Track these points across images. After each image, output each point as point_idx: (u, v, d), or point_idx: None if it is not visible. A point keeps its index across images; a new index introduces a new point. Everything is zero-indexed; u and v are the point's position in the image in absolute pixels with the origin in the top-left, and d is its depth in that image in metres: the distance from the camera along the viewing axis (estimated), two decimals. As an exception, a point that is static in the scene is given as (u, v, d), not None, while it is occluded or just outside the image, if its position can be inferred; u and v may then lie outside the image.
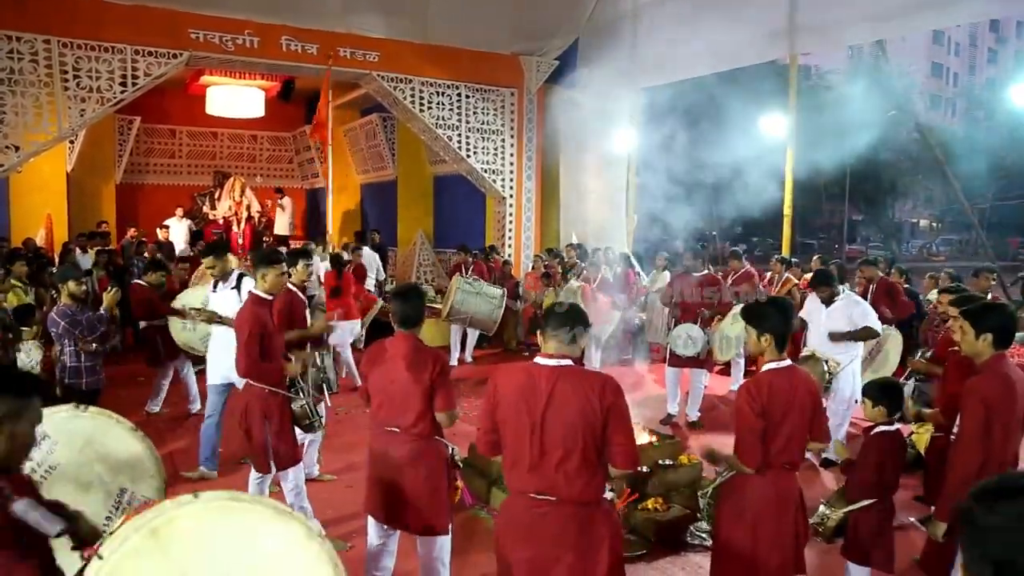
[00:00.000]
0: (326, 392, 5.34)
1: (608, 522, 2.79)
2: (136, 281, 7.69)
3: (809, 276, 9.59)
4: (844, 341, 6.00)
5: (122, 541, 2.04)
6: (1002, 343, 3.35)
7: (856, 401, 6.01)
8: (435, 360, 3.55)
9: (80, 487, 3.09)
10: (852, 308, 6.11)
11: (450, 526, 3.63)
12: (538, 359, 2.85)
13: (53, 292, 5.98)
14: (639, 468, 2.93)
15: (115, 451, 3.20)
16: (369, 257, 11.62)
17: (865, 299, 6.78)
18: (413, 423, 3.51)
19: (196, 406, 7.45)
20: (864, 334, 6.05)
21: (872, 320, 6.08)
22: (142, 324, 7.59)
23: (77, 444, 3.13)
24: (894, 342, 6.97)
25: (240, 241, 16.41)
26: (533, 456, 2.72)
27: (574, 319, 2.86)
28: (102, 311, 5.49)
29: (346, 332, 8.84)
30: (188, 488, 5.46)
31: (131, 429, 3.25)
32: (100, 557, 2.02)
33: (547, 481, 2.70)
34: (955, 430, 3.54)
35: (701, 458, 3.46)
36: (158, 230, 14.23)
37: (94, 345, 5.46)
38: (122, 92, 10.00)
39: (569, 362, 2.80)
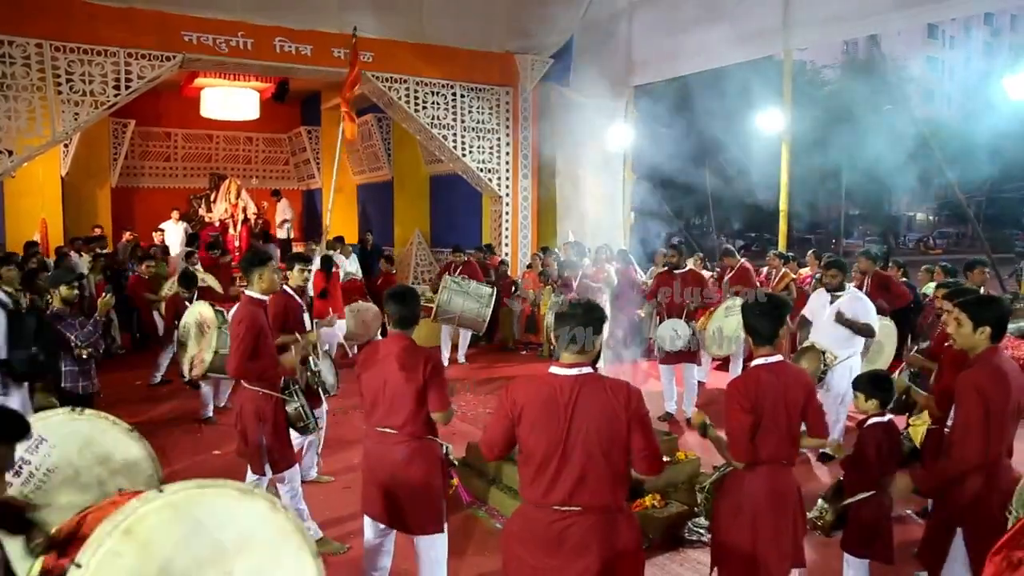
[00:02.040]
0: (323, 395, 5.31)
1: (631, 527, 2.78)
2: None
3: (804, 272, 9.63)
4: (844, 328, 6.01)
5: (97, 546, 2.06)
6: (998, 336, 3.37)
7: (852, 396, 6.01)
8: (427, 359, 3.54)
9: (78, 489, 3.09)
10: (855, 304, 6.12)
11: (445, 525, 3.62)
12: (555, 369, 2.78)
13: (48, 297, 5.94)
14: (662, 472, 2.89)
15: (113, 453, 3.20)
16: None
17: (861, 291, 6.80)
18: (406, 423, 3.51)
19: (209, 412, 7.42)
20: (864, 329, 6.06)
21: (873, 318, 6.10)
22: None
23: (75, 447, 3.13)
24: (888, 333, 6.98)
25: (236, 243, 16.38)
26: (558, 467, 2.67)
27: (588, 324, 2.77)
28: (96, 318, 5.44)
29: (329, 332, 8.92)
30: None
31: (128, 431, 3.25)
32: (78, 565, 2.02)
33: (572, 492, 2.66)
34: (949, 422, 3.55)
35: (694, 425, 3.45)
36: (154, 233, 14.21)
37: (87, 352, 5.41)
38: (116, 95, 9.98)
39: (588, 369, 2.75)
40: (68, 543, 2.31)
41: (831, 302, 6.20)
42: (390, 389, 3.52)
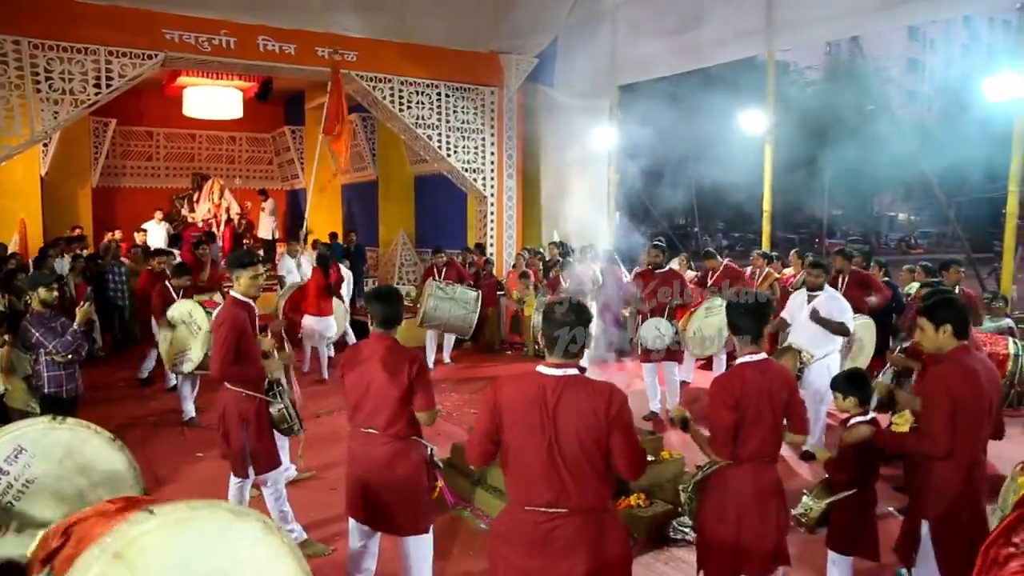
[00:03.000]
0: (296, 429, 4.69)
1: (616, 525, 2.78)
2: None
3: (788, 271, 9.69)
4: (818, 326, 6.06)
5: (86, 569, 2.01)
6: (961, 333, 3.39)
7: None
8: (412, 360, 3.53)
9: (59, 500, 3.04)
10: (831, 304, 6.19)
11: (431, 526, 3.61)
12: (542, 368, 2.77)
13: (26, 299, 5.84)
14: (642, 475, 2.89)
15: (94, 463, 3.15)
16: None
17: (835, 289, 6.89)
18: (390, 424, 3.50)
19: (191, 413, 7.35)
20: (838, 328, 6.12)
21: (848, 317, 6.17)
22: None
23: (55, 457, 3.08)
24: (868, 332, 7.04)
25: (220, 244, 16.25)
26: (542, 468, 2.66)
27: (577, 325, 2.77)
28: (75, 327, 5.35)
29: (325, 327, 8.89)
30: (154, 492, 5.43)
31: (110, 440, 3.21)
32: None
33: (558, 493, 2.66)
34: None
35: (675, 420, 3.47)
36: (136, 234, 14.07)
37: (68, 357, 5.31)
38: (96, 94, 9.87)
39: (574, 371, 2.75)
40: (54, 553, 2.27)
41: (809, 301, 6.26)
42: (374, 390, 3.51)
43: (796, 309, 6.38)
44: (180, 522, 2.16)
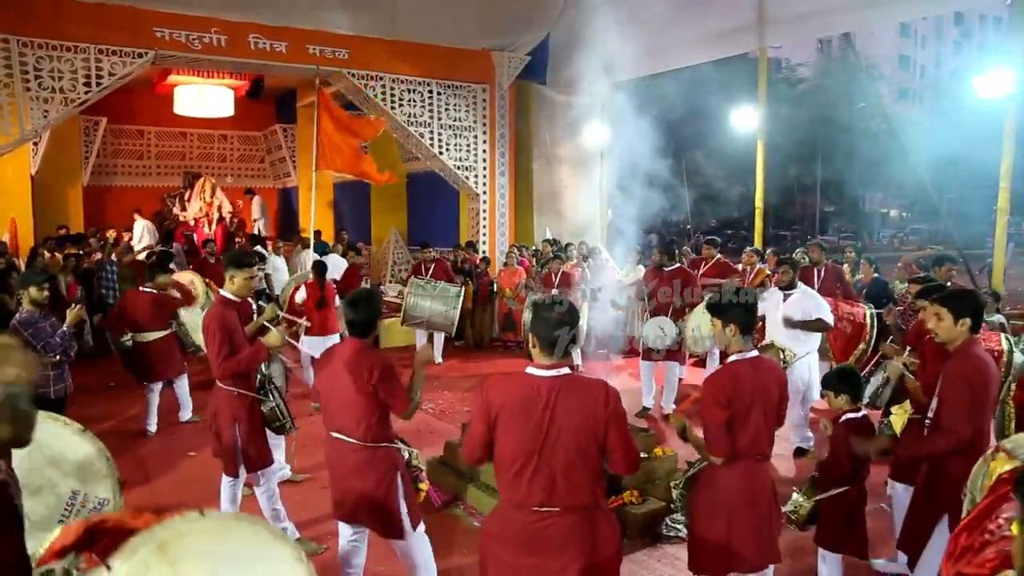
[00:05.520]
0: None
1: (609, 521, 2.79)
2: (143, 289, 7.23)
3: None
4: (797, 329, 6.08)
5: (131, 553, 2.06)
6: (976, 328, 3.50)
7: (818, 393, 6.19)
8: (372, 367, 3.44)
9: (30, 493, 3.04)
10: (807, 301, 6.22)
11: (412, 528, 3.57)
12: (532, 370, 2.75)
13: (18, 297, 5.81)
14: (637, 471, 2.90)
15: (64, 454, 3.18)
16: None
17: (811, 285, 6.97)
18: (356, 428, 3.48)
19: (187, 414, 7.32)
20: (817, 325, 6.14)
21: (825, 313, 6.18)
22: (128, 339, 6.98)
23: (24, 450, 3.08)
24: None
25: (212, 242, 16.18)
26: (536, 469, 2.65)
27: (565, 325, 2.76)
28: (64, 328, 5.31)
29: (323, 346, 8.62)
30: (146, 490, 5.42)
31: (80, 431, 3.23)
32: (108, 568, 2.02)
33: (550, 492, 2.65)
34: (930, 413, 3.60)
35: (674, 428, 3.47)
36: (124, 234, 14.00)
37: (57, 357, 5.28)
38: (86, 92, 9.82)
39: (567, 370, 2.74)
40: (91, 539, 2.29)
41: (784, 300, 6.28)
42: (339, 394, 3.50)
43: (772, 307, 6.40)
44: (226, 530, 2.22)
